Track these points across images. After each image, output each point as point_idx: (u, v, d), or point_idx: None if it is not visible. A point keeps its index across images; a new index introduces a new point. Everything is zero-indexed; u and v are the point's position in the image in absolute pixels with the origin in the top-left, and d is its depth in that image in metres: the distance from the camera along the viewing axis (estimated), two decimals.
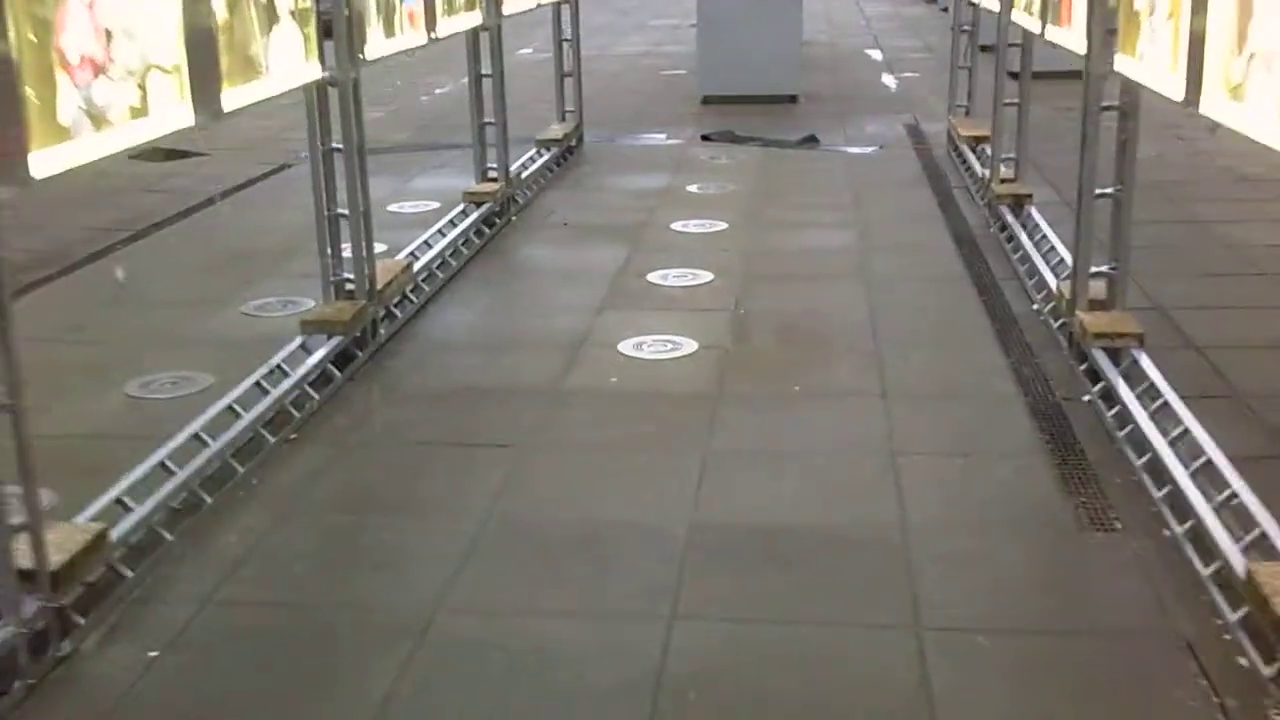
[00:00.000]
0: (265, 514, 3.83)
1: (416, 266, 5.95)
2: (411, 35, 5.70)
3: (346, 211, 5.12)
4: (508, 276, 6.64)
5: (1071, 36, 5.05)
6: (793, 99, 11.74)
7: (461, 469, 4.12)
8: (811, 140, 9.83)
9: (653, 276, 6.27)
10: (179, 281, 6.49)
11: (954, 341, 5.28)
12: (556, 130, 9.18)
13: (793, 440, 4.30)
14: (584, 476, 4.07)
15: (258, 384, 4.44)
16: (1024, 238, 6.29)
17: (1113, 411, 4.28)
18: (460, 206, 7.12)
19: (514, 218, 7.56)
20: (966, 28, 9.14)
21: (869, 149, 9.58)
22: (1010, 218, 6.73)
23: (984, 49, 9.52)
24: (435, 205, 7.68)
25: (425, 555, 3.56)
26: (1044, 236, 6.25)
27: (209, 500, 3.84)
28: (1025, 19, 6.25)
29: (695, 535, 3.64)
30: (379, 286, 5.29)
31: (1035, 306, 5.58)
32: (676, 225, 7.32)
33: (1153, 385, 4.23)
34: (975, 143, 8.54)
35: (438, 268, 6.25)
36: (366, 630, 3.19)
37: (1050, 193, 7.38)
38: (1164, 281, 5.76)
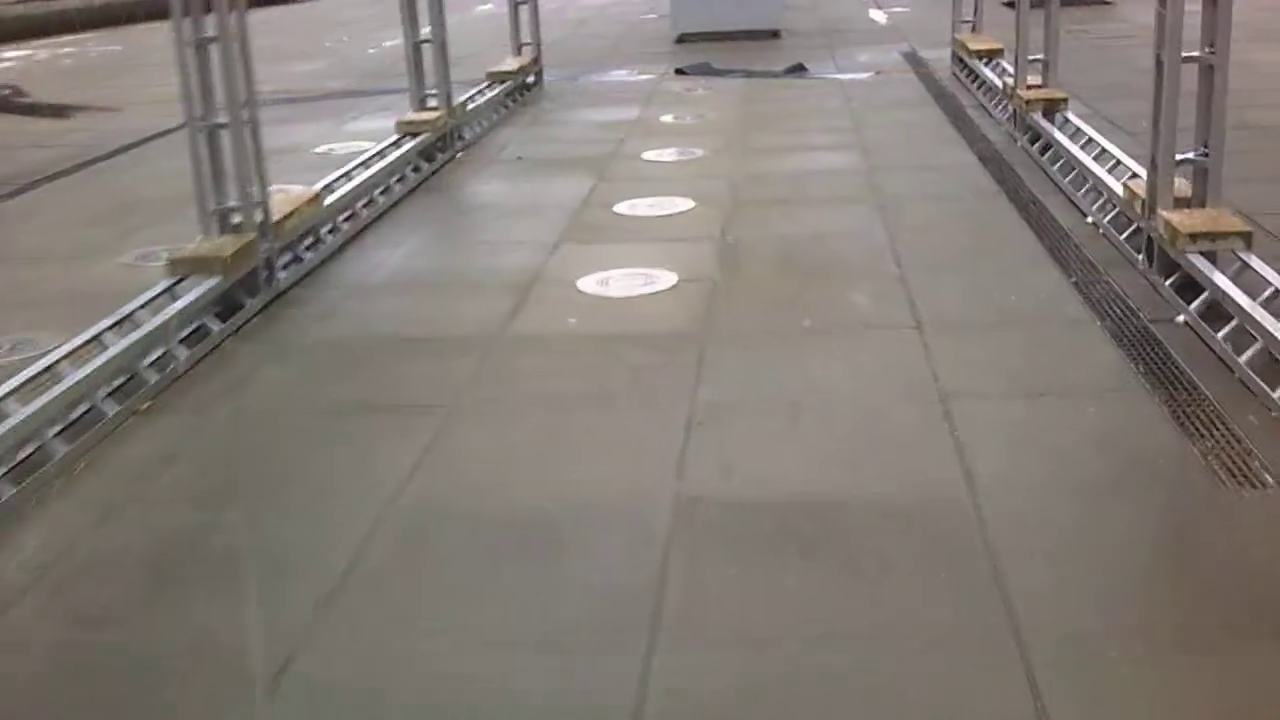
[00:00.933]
0: (83, 512, 2.77)
1: (332, 199, 4.87)
2: None
3: (226, 120, 4.04)
4: (448, 213, 5.56)
5: None
6: (774, 34, 10.66)
7: (365, 443, 3.06)
8: (799, 69, 8.76)
9: (621, 207, 5.21)
10: (52, 235, 5.40)
11: (998, 262, 4.24)
12: (511, 63, 8.09)
13: (807, 387, 3.25)
14: (531, 444, 3.01)
15: (99, 339, 3.38)
16: (1066, 143, 5.23)
17: (1224, 330, 3.24)
18: (392, 138, 6.04)
19: (459, 153, 6.48)
20: None
21: (864, 75, 8.51)
22: (1044, 123, 5.68)
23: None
24: (370, 145, 6.59)
25: (294, 567, 2.51)
26: (1090, 140, 5.20)
27: (11, 492, 2.79)
28: None
29: (682, 516, 2.60)
30: (275, 219, 4.22)
31: (1091, 219, 4.54)
32: (649, 154, 6.26)
33: (1278, 291, 3.20)
34: (988, 57, 7.48)
35: (363, 205, 5.18)
36: (195, 683, 2.14)
37: (1082, 108, 6.34)
38: (1242, 186, 4.71)
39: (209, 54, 3.99)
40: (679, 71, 9.00)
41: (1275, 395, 2.89)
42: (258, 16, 16.80)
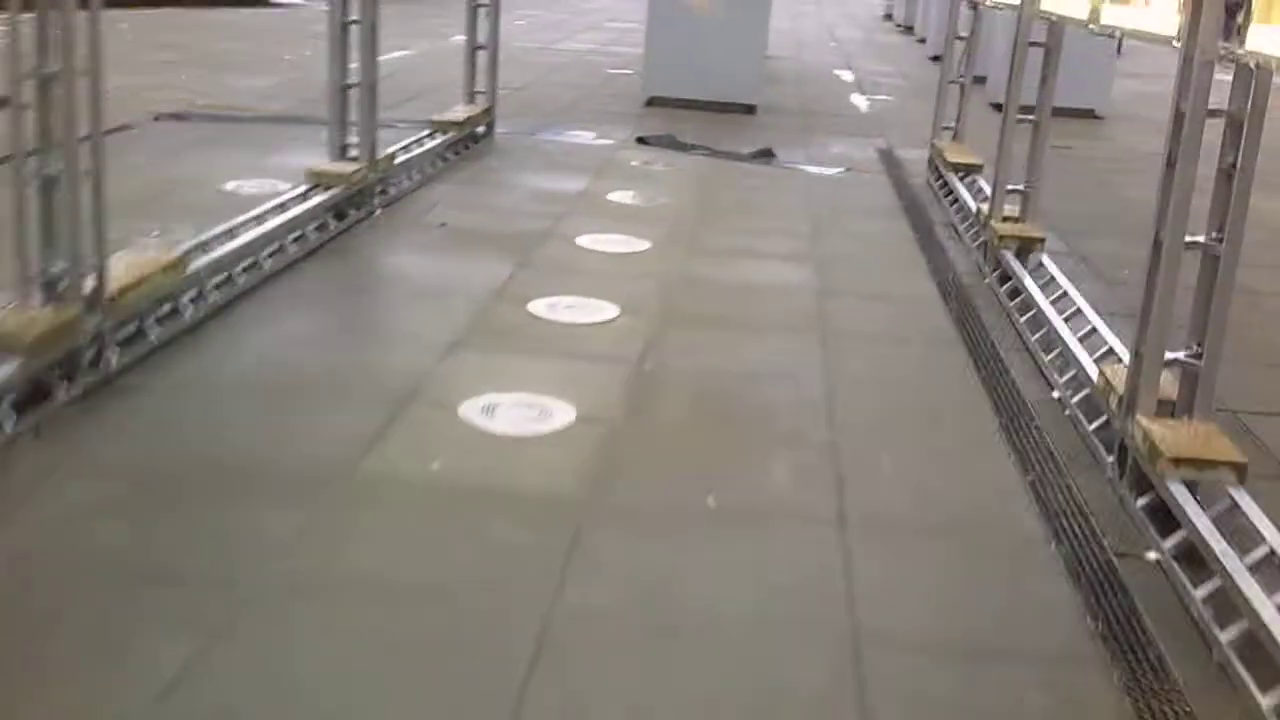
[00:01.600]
0: None
1: (202, 262, 4.23)
2: None
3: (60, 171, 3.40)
4: (342, 288, 4.92)
5: (1152, 15, 3.49)
6: (750, 109, 10.16)
7: (127, 628, 2.41)
8: (767, 155, 8.24)
9: (537, 305, 4.60)
10: None
11: (945, 436, 3.67)
12: (458, 112, 7.50)
13: (692, 602, 2.64)
14: (332, 663, 2.37)
15: None
16: (1038, 295, 4.70)
17: (1205, 589, 2.67)
18: (300, 187, 5.41)
19: (378, 211, 5.87)
20: (963, 34, 7.61)
21: (833, 170, 8.00)
22: (1015, 265, 5.17)
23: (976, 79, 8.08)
24: (286, 187, 5.96)
25: None
26: (1065, 295, 4.68)
27: None
28: (1064, 4, 4.69)
29: None
30: (114, 288, 3.58)
31: (1057, 394, 3.99)
32: (585, 240, 5.67)
33: (1274, 553, 2.64)
34: (964, 171, 7.01)
35: (244, 269, 4.54)
36: None
37: (1058, 243, 5.85)
38: (1234, 370, 4.19)
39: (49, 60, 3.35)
40: (641, 140, 8.46)
41: (1264, 701, 2.32)
42: (225, 17, 16.40)
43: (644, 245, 5.66)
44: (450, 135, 7.16)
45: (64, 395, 3.34)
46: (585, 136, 8.61)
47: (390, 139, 6.80)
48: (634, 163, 7.74)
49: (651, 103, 10.17)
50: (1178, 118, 3.16)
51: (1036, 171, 5.49)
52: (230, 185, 6.20)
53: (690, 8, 10.02)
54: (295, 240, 4.99)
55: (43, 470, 3.03)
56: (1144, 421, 3.16)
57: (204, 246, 4.39)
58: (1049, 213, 5.78)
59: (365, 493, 3.05)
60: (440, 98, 8.36)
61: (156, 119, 8.05)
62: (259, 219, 4.86)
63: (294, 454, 3.21)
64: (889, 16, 25.97)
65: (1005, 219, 5.54)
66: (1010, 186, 5.53)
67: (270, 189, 5.97)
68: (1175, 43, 3.25)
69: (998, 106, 6.19)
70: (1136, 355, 3.31)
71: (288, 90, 9.70)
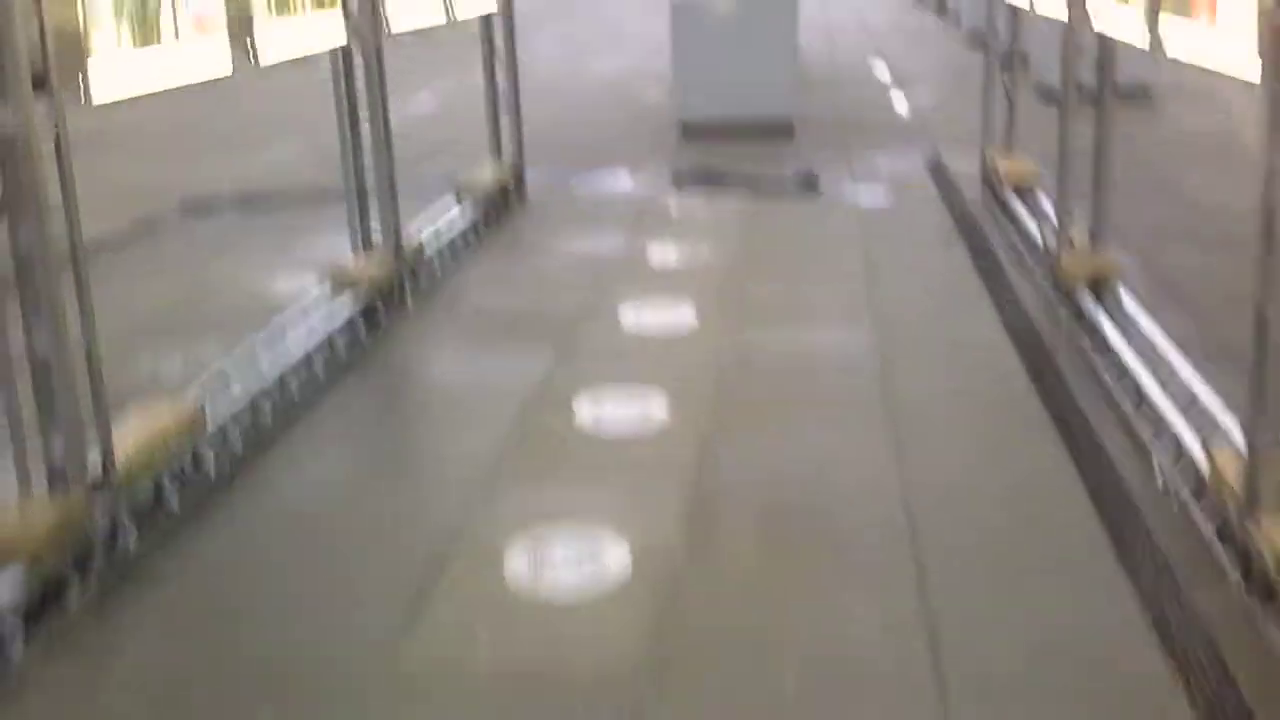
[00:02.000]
0: None
1: (222, 411, 3.96)
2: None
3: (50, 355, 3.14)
4: (376, 413, 4.64)
5: (1223, 41, 3.10)
6: (787, 124, 9.77)
7: None
8: (810, 182, 7.86)
9: (581, 409, 4.29)
10: None
11: (1045, 553, 3.27)
12: (485, 174, 7.20)
13: None
14: None
15: None
16: (1122, 349, 4.30)
17: None
18: (323, 293, 5.14)
19: (411, 301, 5.59)
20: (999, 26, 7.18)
21: (882, 193, 7.60)
22: (1090, 305, 4.77)
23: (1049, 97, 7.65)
24: (314, 288, 5.70)
25: None
26: (1155, 347, 4.26)
27: None
28: (1116, 22, 4.28)
29: None
30: (123, 463, 3.32)
31: (1161, 481, 3.59)
32: (628, 314, 5.34)
33: None
34: (1023, 185, 6.59)
35: (269, 407, 4.25)
36: None
37: (1128, 258, 5.42)
38: None
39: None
40: (678, 179, 8.12)
41: None
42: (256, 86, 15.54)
43: (690, 316, 5.32)
44: (479, 201, 6.87)
45: (77, 598, 3.09)
46: (620, 178, 8.29)
47: (416, 205, 6.56)
48: (672, 207, 7.40)
49: (685, 128, 9.82)
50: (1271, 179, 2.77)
51: (1104, 185, 5.04)
52: (257, 288, 5.95)
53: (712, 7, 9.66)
54: (324, 359, 4.72)
55: (56, 696, 2.78)
56: (1268, 526, 2.78)
57: (224, 381, 4.14)
58: (1118, 223, 5.35)
59: (409, 689, 2.76)
60: (468, 147, 7.97)
61: (183, 211, 7.84)
62: (284, 336, 4.60)
63: (330, 646, 2.93)
64: None
65: (1074, 247, 5.14)
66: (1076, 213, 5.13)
67: (298, 288, 5.74)
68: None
69: (1045, 93, 5.75)
70: (1251, 448, 2.93)
71: (319, 157, 9.47)
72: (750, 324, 5.23)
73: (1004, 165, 6.84)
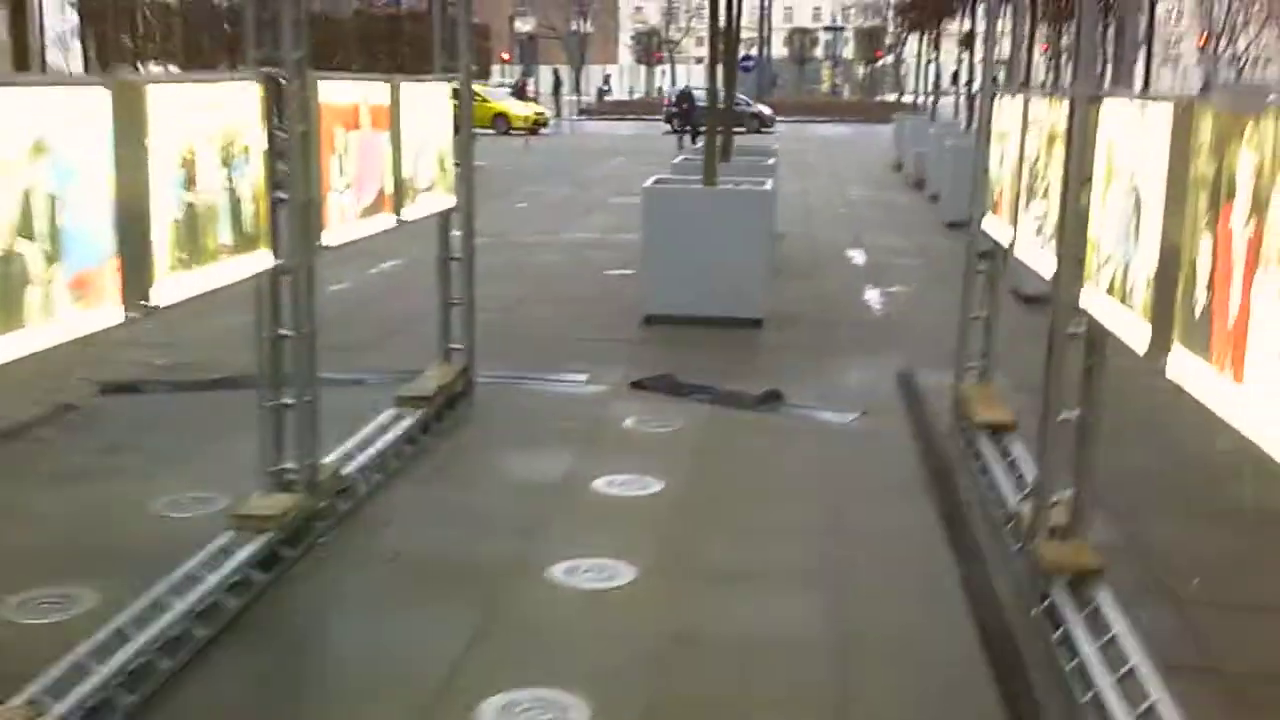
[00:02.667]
0: None
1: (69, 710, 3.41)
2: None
3: None
4: (253, 700, 4.06)
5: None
6: (756, 323, 9.45)
7: None
8: (774, 397, 7.46)
9: (489, 713, 3.76)
10: None
11: None
12: (429, 381, 6.76)
13: None
14: None
15: None
16: (1100, 677, 3.82)
17: None
18: (222, 538, 4.62)
19: (324, 539, 5.08)
20: (981, 269, 6.88)
21: (848, 416, 7.19)
22: (1066, 609, 4.30)
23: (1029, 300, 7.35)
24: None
25: None
26: (1132, 670, 3.78)
27: None
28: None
29: None
30: None
31: None
32: (559, 570, 4.84)
33: None
34: (996, 432, 6.19)
35: (119, 684, 3.69)
36: None
37: (1105, 525, 4.96)
38: None
39: None
40: (636, 385, 7.71)
41: None
42: None
43: (629, 574, 4.82)
44: (420, 414, 6.42)
45: None
46: (576, 381, 7.88)
47: (347, 408, 6.10)
48: (627, 422, 6.96)
49: (650, 320, 9.49)
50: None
51: (1087, 463, 4.61)
52: (165, 510, 5.42)
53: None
54: (203, 618, 4.18)
55: None
56: None
57: (81, 672, 3.59)
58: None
59: None
60: (426, 330, 7.52)
61: (103, 392, 7.37)
62: (158, 606, 4.06)
63: None
64: (899, 167, 25.65)
65: (1053, 531, 4.70)
66: (1054, 497, 4.70)
67: (207, 514, 5.25)
68: None
69: (1031, 300, 5.41)
70: None
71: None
72: (691, 593, 4.72)
73: (978, 404, 6.46)
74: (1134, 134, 3.82)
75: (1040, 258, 5.11)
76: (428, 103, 6.23)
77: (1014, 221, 5.73)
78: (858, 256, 13.67)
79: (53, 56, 43.00)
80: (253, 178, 4.28)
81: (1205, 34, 69.31)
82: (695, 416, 7.13)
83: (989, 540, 5.27)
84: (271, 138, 4.44)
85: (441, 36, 6.83)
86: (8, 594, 4.48)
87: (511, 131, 39.11)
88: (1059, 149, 4.85)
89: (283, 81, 4.47)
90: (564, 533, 5.28)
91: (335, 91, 5.02)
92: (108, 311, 3.32)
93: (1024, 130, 5.57)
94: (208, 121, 3.94)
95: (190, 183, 3.83)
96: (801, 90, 74.12)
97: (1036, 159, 5.32)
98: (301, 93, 4.62)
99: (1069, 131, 4.58)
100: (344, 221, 5.15)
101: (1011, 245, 5.74)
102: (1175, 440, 6.74)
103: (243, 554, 4.52)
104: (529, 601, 4.64)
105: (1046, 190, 5.10)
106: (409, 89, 5.88)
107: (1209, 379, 2.95)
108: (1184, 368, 3.14)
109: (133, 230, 3.39)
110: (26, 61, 23.43)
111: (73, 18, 27.70)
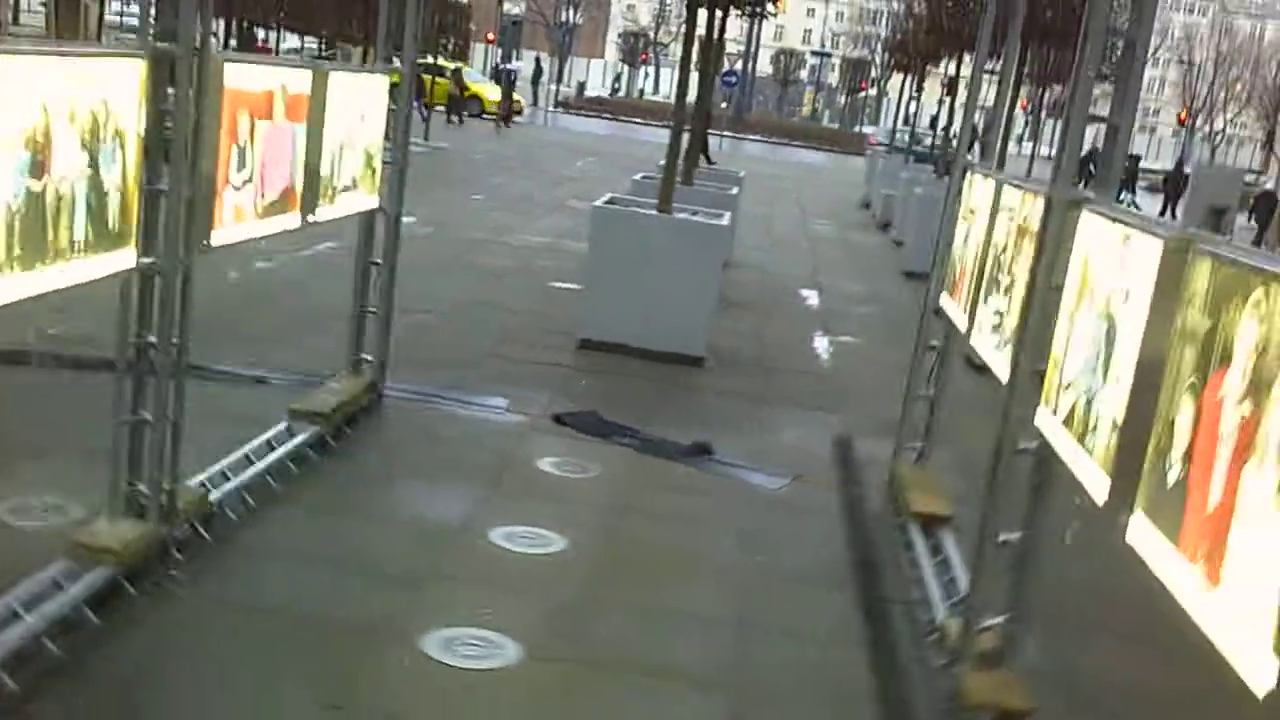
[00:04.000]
0: None
1: None
2: None
3: None
4: None
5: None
6: (697, 361, 8.98)
7: None
8: (702, 451, 6.99)
9: None
10: None
11: None
12: (329, 396, 6.22)
13: None
14: None
15: None
16: None
17: None
18: (55, 567, 4.06)
19: (174, 576, 4.53)
20: (934, 343, 6.46)
21: (778, 482, 6.73)
22: None
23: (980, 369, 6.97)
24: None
25: None
26: None
27: None
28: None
29: None
30: None
31: None
32: (436, 640, 4.32)
33: None
34: (930, 523, 5.77)
35: None
36: None
37: (1038, 653, 4.55)
38: None
39: None
40: (558, 420, 7.21)
41: None
42: None
43: (513, 653, 4.32)
44: (315, 430, 5.88)
45: None
46: (496, 406, 7.35)
47: (241, 411, 5.58)
48: (541, 463, 6.46)
49: (585, 344, 8.99)
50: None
51: (1026, 587, 4.19)
52: (8, 516, 4.84)
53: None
54: (19, 661, 3.63)
55: None
56: None
57: None
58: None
59: None
60: (346, 328, 6.93)
61: None
62: None
63: None
64: (867, 205, 25.33)
65: (982, 657, 4.27)
66: (985, 623, 4.27)
67: (56, 527, 4.69)
68: None
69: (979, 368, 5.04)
70: None
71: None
72: (584, 682, 4.23)
73: (914, 490, 6.03)
74: (1113, 257, 3.39)
75: (995, 358, 4.69)
76: (360, 94, 5.69)
77: (971, 308, 5.32)
78: (812, 297, 13.26)
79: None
80: (124, 166, 3.73)
81: (1186, 110, 69.97)
82: (616, 463, 6.64)
83: (910, 651, 4.83)
84: (157, 123, 3.89)
85: (389, 17, 6.27)
86: None
87: (484, 115, 38.41)
88: (1028, 246, 4.43)
89: (174, 59, 3.92)
90: (450, 595, 4.78)
91: (245, 75, 4.48)
92: None
93: (993, 215, 5.15)
94: (71, 99, 3.39)
95: (38, 169, 3.28)
96: (782, 111, 73.90)
97: (1004, 249, 4.90)
98: (200, 74, 4.07)
99: (1041, 233, 4.16)
100: (239, 220, 4.62)
101: (968, 334, 5.32)
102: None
103: (74, 589, 3.97)
104: (393, 678, 4.12)
105: (1010, 287, 4.68)
106: (338, 78, 5.34)
107: (1177, 566, 2.51)
108: (1146, 542, 2.70)
109: None
110: None
111: None
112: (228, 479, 5.09)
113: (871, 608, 5.19)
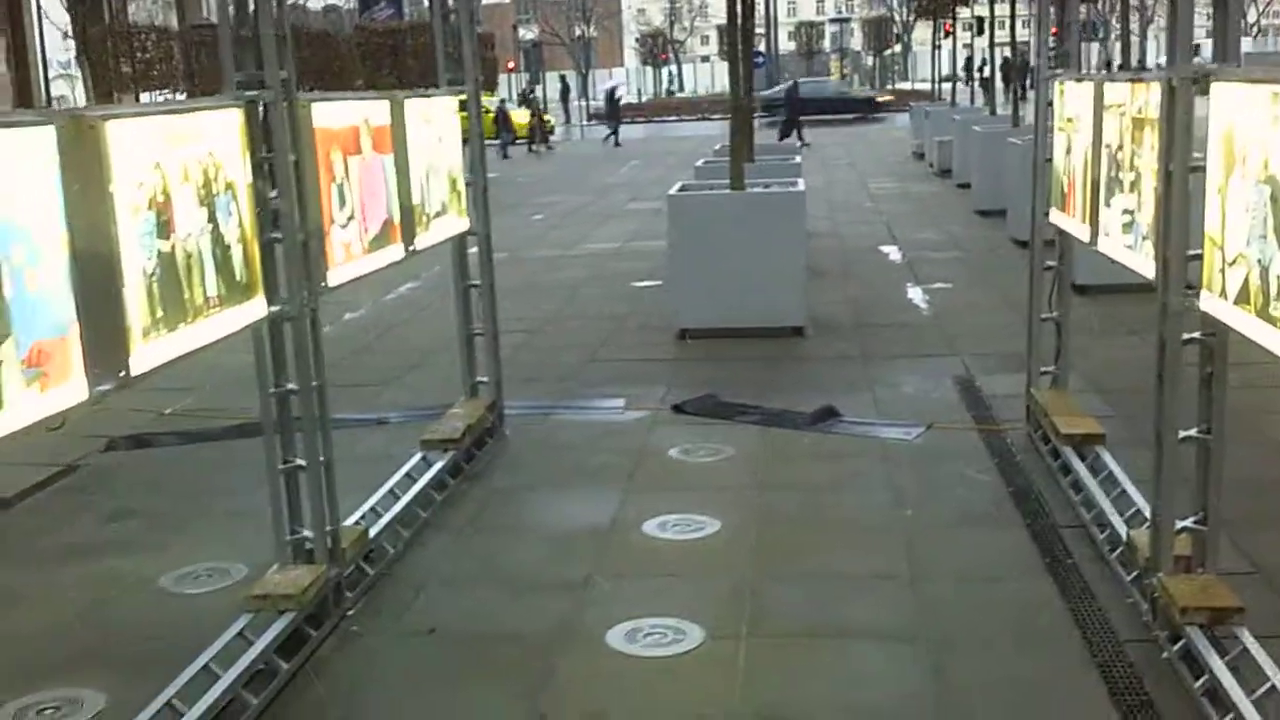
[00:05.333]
0: None
1: None
2: None
3: None
4: None
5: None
6: (798, 331, 8.87)
7: None
8: (829, 415, 6.88)
9: None
10: None
11: None
12: (456, 421, 6.21)
13: None
14: None
15: None
16: None
17: None
18: (239, 622, 4.08)
19: (352, 613, 4.53)
20: (1051, 263, 6.28)
21: (910, 431, 6.60)
22: (1210, 656, 3.71)
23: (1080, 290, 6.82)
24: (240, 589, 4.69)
25: None
26: None
27: None
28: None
29: None
30: None
31: None
32: (615, 637, 4.27)
33: None
34: (1083, 445, 5.60)
35: None
36: None
37: (1226, 545, 4.38)
38: None
39: None
40: (678, 409, 7.15)
41: None
42: None
43: (697, 636, 4.25)
44: (448, 459, 5.86)
45: None
46: (612, 407, 7.31)
47: (369, 453, 5.61)
48: (673, 452, 6.39)
49: (685, 335, 8.92)
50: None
51: (1213, 478, 4.02)
52: (177, 586, 4.89)
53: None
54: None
55: None
56: None
57: None
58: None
59: None
60: (448, 360, 6.91)
61: (108, 449, 6.85)
62: (179, 699, 3.54)
63: None
64: (920, 155, 24.98)
65: (1178, 560, 4.11)
66: (1180, 524, 4.11)
67: (224, 588, 4.73)
68: None
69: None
70: None
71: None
72: (774, 654, 4.15)
73: (1058, 414, 5.86)
74: (1262, 118, 3.24)
75: (1133, 256, 4.53)
76: (435, 119, 5.68)
77: (1090, 215, 5.15)
78: (893, 252, 13.07)
79: (61, 89, 42.49)
80: (239, 217, 3.73)
81: None
82: (745, 441, 6.56)
83: (1096, 571, 4.68)
84: (258, 169, 3.90)
85: (445, 49, 6.28)
86: (4, 697, 3.96)
87: (516, 142, 38.59)
88: (1150, 137, 4.27)
89: (266, 106, 3.93)
90: (615, 591, 4.72)
91: (330, 113, 4.47)
92: (72, 388, 2.78)
93: (1098, 117, 4.98)
94: (181, 157, 3.40)
95: (165, 229, 3.29)
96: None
97: (1119, 147, 4.73)
98: (290, 116, 4.07)
99: (1166, 118, 4.00)
100: (349, 258, 4.61)
101: (1092, 241, 5.15)
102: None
103: (262, 640, 3.98)
104: (587, 674, 4.08)
105: (1135, 182, 4.51)
106: (413, 105, 5.33)
107: None
108: None
109: (97, 290, 2.85)
110: (30, 96, 22.96)
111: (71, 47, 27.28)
112: (379, 515, 5.09)
113: (1044, 537, 5.05)
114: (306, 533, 4.38)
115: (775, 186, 9.64)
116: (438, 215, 5.72)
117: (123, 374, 3.01)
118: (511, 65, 58.13)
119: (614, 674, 4.08)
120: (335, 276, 4.51)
